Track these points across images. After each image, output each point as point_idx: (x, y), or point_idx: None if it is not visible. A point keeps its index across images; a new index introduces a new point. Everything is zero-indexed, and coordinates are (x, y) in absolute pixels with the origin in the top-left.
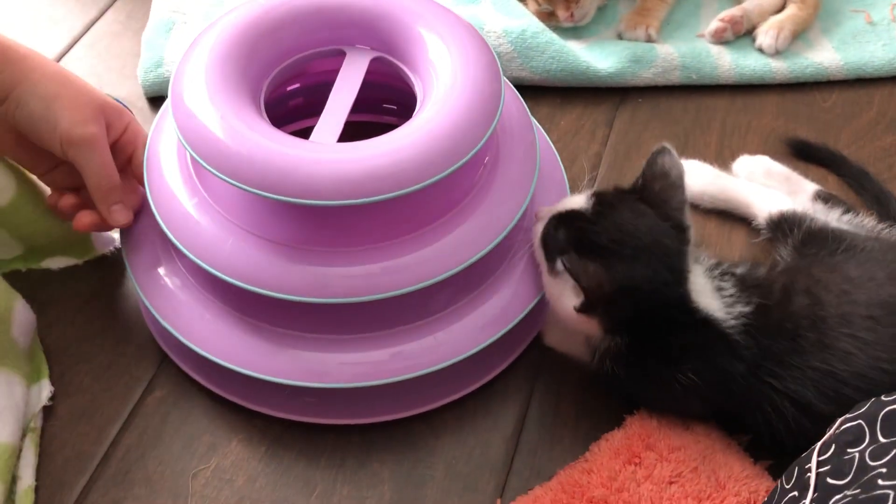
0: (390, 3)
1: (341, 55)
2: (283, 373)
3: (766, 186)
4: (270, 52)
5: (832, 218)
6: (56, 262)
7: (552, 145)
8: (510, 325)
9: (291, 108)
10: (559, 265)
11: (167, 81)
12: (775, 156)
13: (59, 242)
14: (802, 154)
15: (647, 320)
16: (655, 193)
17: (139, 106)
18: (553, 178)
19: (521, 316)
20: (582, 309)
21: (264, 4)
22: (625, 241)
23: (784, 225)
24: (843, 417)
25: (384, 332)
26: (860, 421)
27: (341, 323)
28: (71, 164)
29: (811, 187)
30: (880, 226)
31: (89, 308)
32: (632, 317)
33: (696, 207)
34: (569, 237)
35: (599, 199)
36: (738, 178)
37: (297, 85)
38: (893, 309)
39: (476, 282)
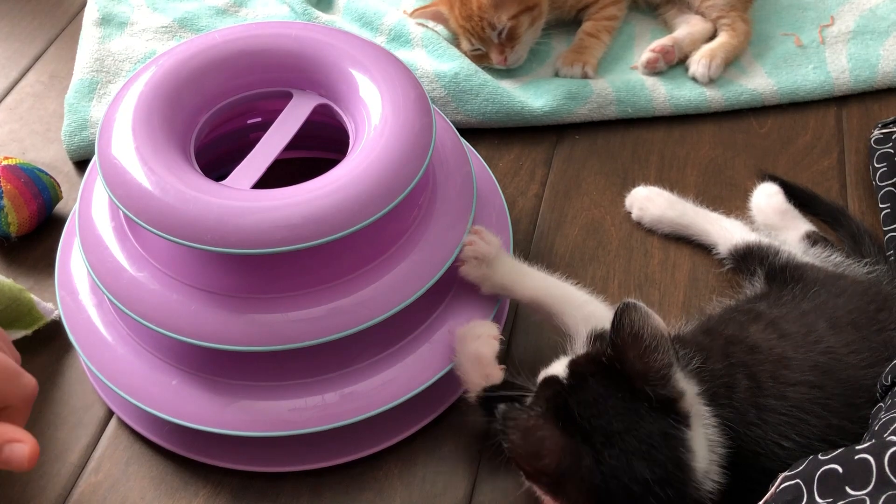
0: (315, 46)
1: (289, 97)
2: (232, 424)
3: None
4: (195, 99)
5: (816, 257)
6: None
7: (489, 169)
8: None
9: (252, 141)
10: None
11: (93, 144)
12: (713, 186)
13: (5, 314)
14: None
15: None
16: (630, 363)
17: (65, 171)
18: (493, 203)
19: None
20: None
21: (182, 53)
22: (595, 425)
23: (750, 258)
24: (783, 475)
25: (336, 374)
26: (798, 480)
27: (293, 368)
28: None
29: (803, 227)
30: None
31: None
32: None
33: (652, 233)
34: (549, 400)
35: (573, 369)
36: (696, 206)
37: (258, 119)
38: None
39: (425, 313)
